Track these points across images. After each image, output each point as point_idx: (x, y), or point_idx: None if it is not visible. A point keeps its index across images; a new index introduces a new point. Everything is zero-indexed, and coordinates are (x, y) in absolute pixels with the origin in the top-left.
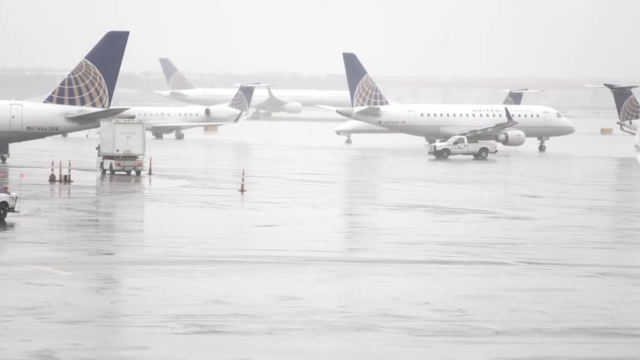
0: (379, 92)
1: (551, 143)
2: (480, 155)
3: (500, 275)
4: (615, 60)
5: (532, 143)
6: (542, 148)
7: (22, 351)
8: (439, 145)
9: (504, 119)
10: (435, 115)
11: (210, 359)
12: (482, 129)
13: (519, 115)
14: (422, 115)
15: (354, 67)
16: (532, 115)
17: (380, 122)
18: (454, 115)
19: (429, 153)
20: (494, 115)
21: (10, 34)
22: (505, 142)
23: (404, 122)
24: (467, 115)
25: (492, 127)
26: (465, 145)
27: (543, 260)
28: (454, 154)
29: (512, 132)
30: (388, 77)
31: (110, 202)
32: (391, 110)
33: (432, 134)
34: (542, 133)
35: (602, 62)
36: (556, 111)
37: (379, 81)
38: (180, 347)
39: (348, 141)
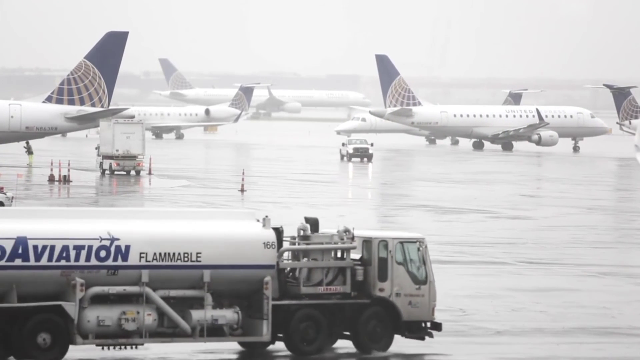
0: (412, 93)
1: (584, 143)
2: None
3: (501, 275)
4: (614, 61)
5: (567, 144)
6: (576, 149)
7: None
8: (362, 147)
9: (536, 120)
10: (468, 116)
11: (211, 359)
12: (514, 130)
13: (553, 116)
14: (454, 116)
15: (386, 69)
16: (565, 116)
17: (412, 122)
18: (487, 116)
19: (343, 156)
20: (527, 116)
21: (9, 34)
22: (539, 142)
23: (437, 122)
24: (499, 116)
25: (524, 128)
26: None
27: (543, 260)
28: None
29: (545, 133)
30: None
31: (109, 202)
32: (424, 111)
33: (464, 134)
34: (576, 134)
35: (602, 62)
36: (590, 112)
37: (379, 82)
38: (180, 347)
39: None
